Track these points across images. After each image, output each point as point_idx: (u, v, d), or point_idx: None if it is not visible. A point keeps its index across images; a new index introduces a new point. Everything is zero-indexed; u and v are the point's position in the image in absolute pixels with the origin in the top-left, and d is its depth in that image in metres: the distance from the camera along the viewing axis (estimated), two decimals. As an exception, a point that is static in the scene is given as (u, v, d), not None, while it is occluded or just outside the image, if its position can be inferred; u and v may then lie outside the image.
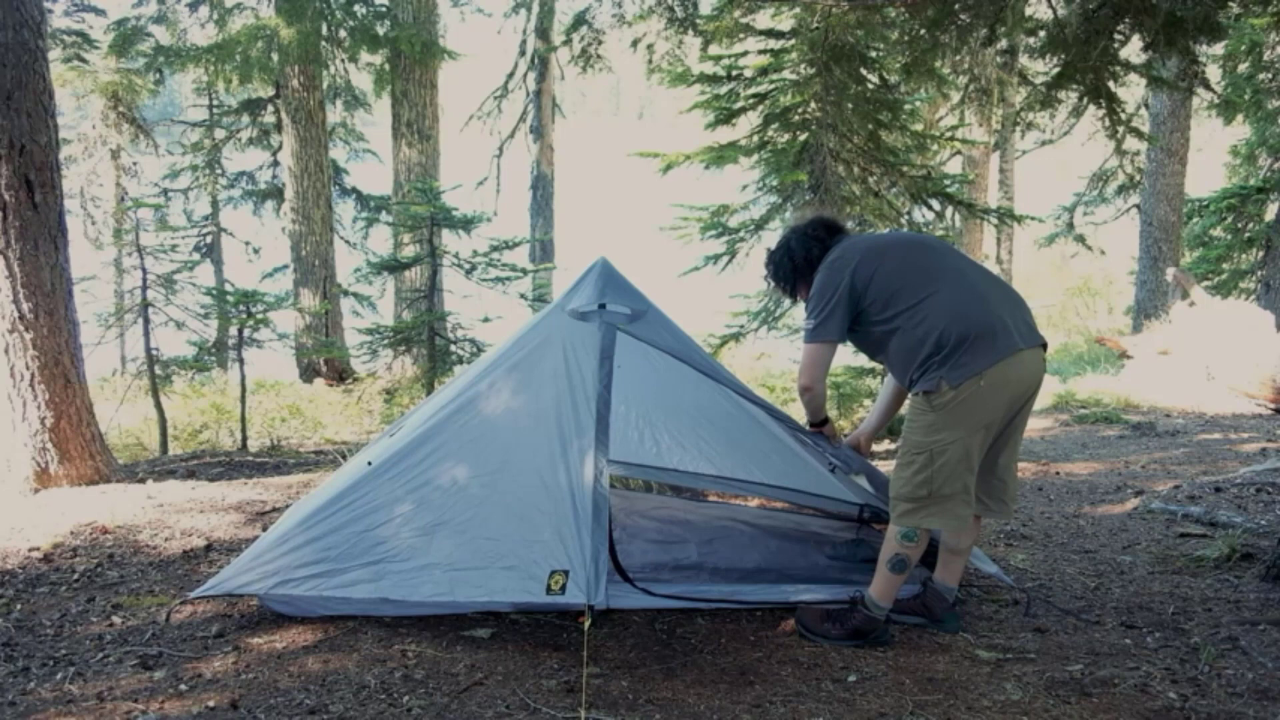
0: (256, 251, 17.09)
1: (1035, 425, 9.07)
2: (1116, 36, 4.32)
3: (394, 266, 9.58)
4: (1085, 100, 5.01)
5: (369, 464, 3.33)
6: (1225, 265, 14.20)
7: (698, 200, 7.69)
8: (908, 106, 7.82)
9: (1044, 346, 3.05)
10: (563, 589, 2.91)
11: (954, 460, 2.94)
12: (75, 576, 3.75)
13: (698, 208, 7.59)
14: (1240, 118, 13.68)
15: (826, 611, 3.14)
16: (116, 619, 3.31)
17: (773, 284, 3.41)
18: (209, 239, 17.07)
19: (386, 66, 12.72)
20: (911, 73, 5.31)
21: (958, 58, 6.29)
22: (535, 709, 2.66)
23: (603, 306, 3.33)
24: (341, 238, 15.06)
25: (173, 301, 7.66)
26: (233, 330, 7.78)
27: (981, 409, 2.91)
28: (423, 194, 8.29)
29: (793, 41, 7.01)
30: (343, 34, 11.96)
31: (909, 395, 3.09)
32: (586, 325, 3.32)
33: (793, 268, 3.28)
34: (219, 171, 16.71)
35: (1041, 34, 4.76)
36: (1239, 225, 13.93)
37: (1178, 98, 12.37)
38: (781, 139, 7.31)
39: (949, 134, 10.77)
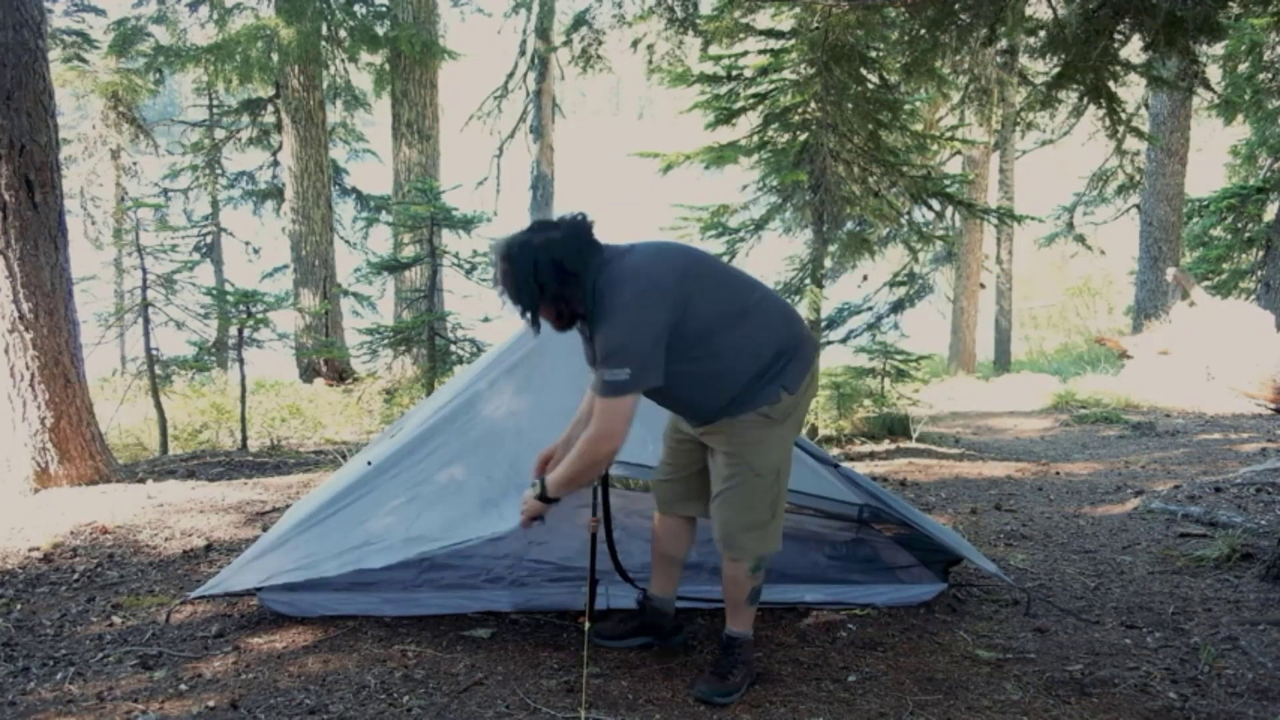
0: (256, 251, 17.09)
1: (1035, 425, 9.08)
2: (1116, 36, 4.31)
3: (394, 266, 9.58)
4: (1085, 100, 5.00)
5: (369, 464, 3.33)
6: (1225, 265, 14.21)
7: (698, 200, 7.69)
8: (908, 106, 7.82)
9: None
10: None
11: (782, 481, 2.77)
12: (75, 576, 3.75)
13: (698, 208, 7.59)
14: (1240, 118, 13.68)
15: (715, 672, 2.83)
16: (116, 619, 3.31)
17: (508, 300, 2.65)
18: (209, 239, 17.06)
19: (386, 66, 12.71)
20: (911, 73, 5.31)
21: (958, 58, 6.29)
22: (535, 709, 2.66)
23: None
24: (341, 238, 15.06)
25: (173, 301, 7.66)
26: (233, 330, 7.78)
27: (797, 425, 2.80)
28: (423, 194, 8.28)
29: (793, 41, 7.00)
30: (343, 34, 11.96)
31: (732, 420, 2.69)
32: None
33: (539, 288, 2.56)
34: (219, 171, 16.70)
35: (1041, 34, 4.75)
36: (1239, 225, 13.94)
37: (1178, 98, 12.37)
38: (781, 139, 7.31)
39: (949, 134, 10.77)
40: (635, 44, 11.61)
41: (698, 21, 7.94)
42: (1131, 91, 14.31)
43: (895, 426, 7.74)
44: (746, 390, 2.65)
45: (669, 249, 2.79)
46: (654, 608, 3.08)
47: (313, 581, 3.35)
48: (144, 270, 7.42)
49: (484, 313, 8.42)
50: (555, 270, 2.55)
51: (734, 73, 7.35)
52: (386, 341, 8.83)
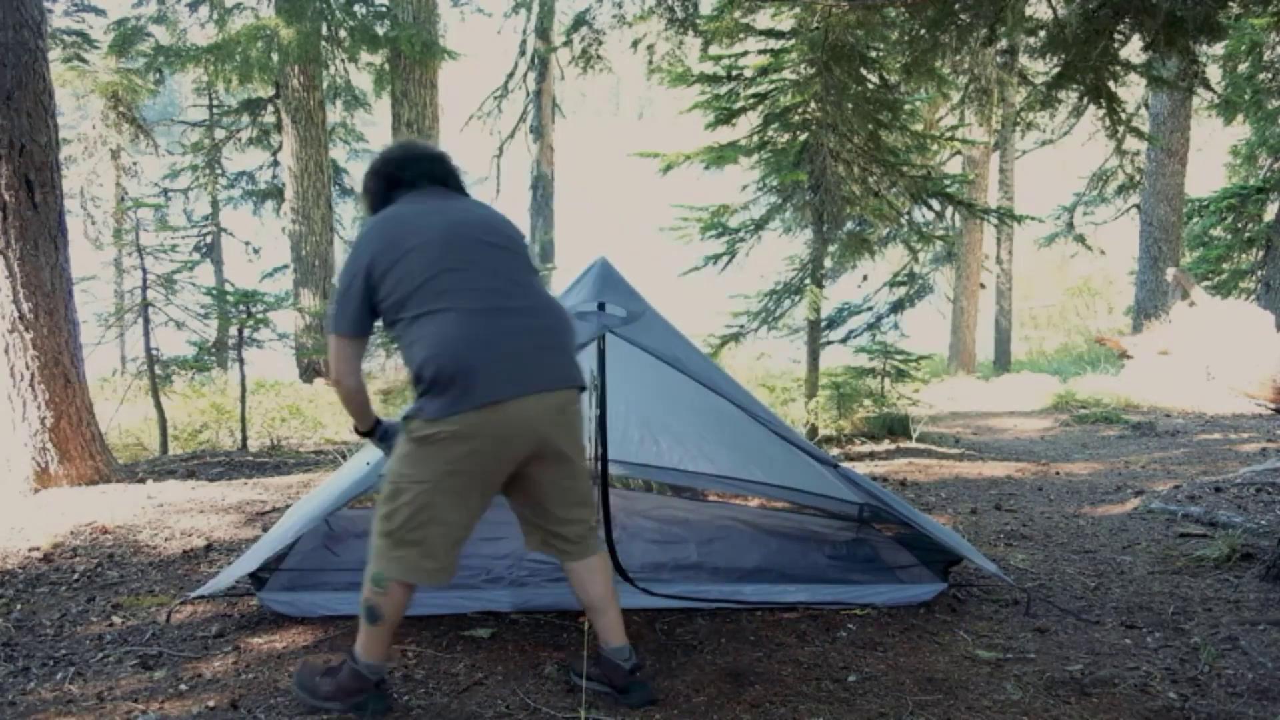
0: (256, 251, 17.09)
1: (1035, 425, 9.07)
2: (1116, 36, 4.31)
3: (394, 266, 9.56)
4: (1085, 100, 5.00)
5: (368, 464, 3.33)
6: (1225, 265, 14.20)
7: (698, 200, 7.68)
8: (908, 106, 7.81)
9: (577, 388, 2.59)
10: None
11: (416, 506, 2.47)
12: (75, 576, 3.75)
13: (698, 208, 7.58)
14: (1240, 118, 13.68)
15: (327, 665, 2.73)
16: (116, 619, 3.31)
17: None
18: (209, 239, 17.06)
19: (386, 66, 12.71)
20: (911, 73, 5.30)
21: (958, 58, 6.29)
22: (535, 709, 2.66)
23: (601, 307, 3.33)
24: (341, 238, 15.05)
25: (173, 301, 7.65)
26: (233, 330, 7.78)
27: (450, 460, 2.44)
28: (423, 194, 8.27)
29: (793, 41, 7.00)
30: (343, 34, 11.95)
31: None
32: (583, 325, 3.32)
33: (368, 196, 2.73)
34: (219, 171, 16.69)
35: (1041, 34, 4.75)
36: (1239, 225, 13.93)
37: (1178, 98, 12.37)
38: (781, 139, 7.30)
39: (949, 134, 10.77)
40: (635, 44, 11.61)
41: (698, 21, 7.94)
42: (1131, 91, 14.31)
43: (895, 426, 7.74)
44: (414, 391, 2.51)
45: (423, 207, 2.62)
46: (605, 657, 2.72)
47: (312, 581, 3.36)
48: (144, 270, 7.42)
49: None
50: (368, 178, 2.72)
51: (734, 73, 7.34)
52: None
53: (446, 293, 2.47)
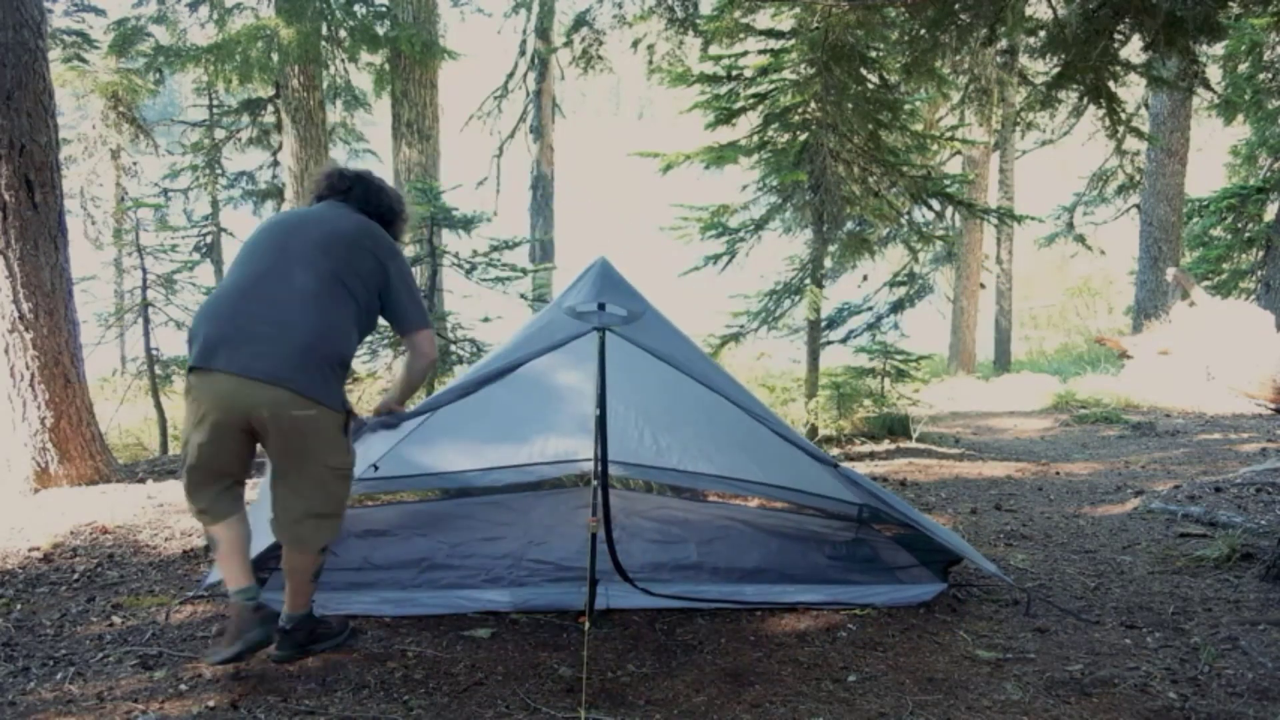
0: (257, 251, 17.05)
1: (1035, 425, 9.07)
2: (1116, 36, 4.31)
3: (394, 266, 9.56)
4: (1085, 100, 5.00)
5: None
6: (1225, 265, 14.19)
7: (698, 200, 7.68)
8: (908, 106, 7.81)
9: (289, 390, 2.67)
10: None
11: (185, 441, 2.84)
12: (75, 576, 3.75)
13: (698, 208, 7.58)
14: (1240, 118, 13.67)
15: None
16: (116, 619, 3.31)
17: None
18: (209, 239, 17.03)
19: (386, 66, 12.71)
20: (911, 73, 5.30)
21: (958, 58, 6.29)
22: (535, 709, 2.66)
23: (601, 307, 3.33)
24: (342, 238, 15.03)
25: (173, 301, 7.66)
26: (233, 330, 7.76)
27: (192, 406, 2.78)
28: (423, 194, 8.28)
29: (793, 41, 7.00)
30: (343, 34, 11.94)
31: None
32: (583, 324, 3.31)
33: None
34: (219, 171, 16.67)
35: (1041, 34, 4.75)
36: (1239, 225, 13.92)
37: (1178, 98, 12.37)
38: (781, 139, 7.30)
39: (949, 134, 10.76)
40: (635, 44, 11.62)
41: (698, 21, 7.95)
42: (1131, 91, 14.31)
43: (895, 426, 7.73)
44: None
45: (303, 213, 3.04)
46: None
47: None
48: (144, 270, 7.42)
49: (484, 313, 8.42)
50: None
51: (734, 73, 7.34)
52: (387, 342, 8.82)
53: (232, 273, 2.87)
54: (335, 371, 2.81)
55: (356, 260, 2.86)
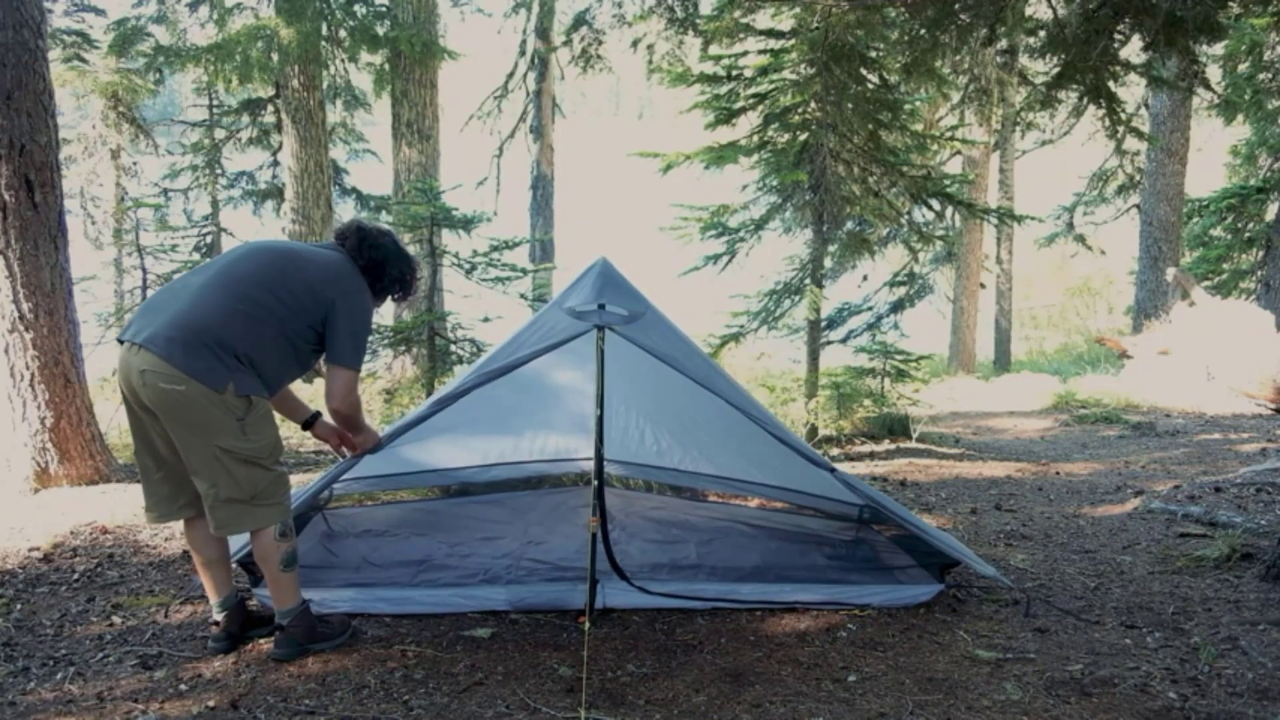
0: (257, 251, 17.04)
1: (1035, 425, 9.08)
2: (1116, 36, 4.31)
3: (394, 266, 9.54)
4: (1085, 100, 5.00)
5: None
6: (1225, 265, 14.20)
7: (698, 200, 7.68)
8: (908, 106, 7.81)
9: (162, 357, 2.74)
10: None
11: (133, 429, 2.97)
12: (75, 576, 3.75)
13: (698, 208, 7.58)
14: (1240, 118, 13.67)
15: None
16: (116, 619, 3.31)
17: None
18: (209, 239, 17.01)
19: (386, 66, 12.70)
20: (911, 73, 5.30)
21: (958, 58, 6.29)
22: (535, 709, 2.66)
23: (602, 306, 3.33)
24: (342, 238, 15.02)
25: (173, 301, 7.65)
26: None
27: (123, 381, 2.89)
28: (423, 194, 8.28)
29: (793, 41, 7.00)
30: (343, 34, 11.95)
31: None
32: (583, 324, 3.31)
33: None
34: (219, 171, 16.67)
35: (1041, 34, 4.75)
36: (1239, 225, 13.93)
37: (1178, 98, 12.36)
38: (781, 139, 7.30)
39: (949, 134, 10.76)
40: (635, 44, 11.62)
41: (698, 21, 7.95)
42: (1131, 91, 14.31)
43: (895, 426, 7.73)
44: None
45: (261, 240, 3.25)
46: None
47: (310, 580, 3.35)
48: (144, 270, 7.43)
49: (484, 313, 8.42)
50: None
51: (734, 73, 7.34)
52: (386, 342, 8.82)
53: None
54: (218, 354, 2.79)
55: (298, 284, 2.94)
